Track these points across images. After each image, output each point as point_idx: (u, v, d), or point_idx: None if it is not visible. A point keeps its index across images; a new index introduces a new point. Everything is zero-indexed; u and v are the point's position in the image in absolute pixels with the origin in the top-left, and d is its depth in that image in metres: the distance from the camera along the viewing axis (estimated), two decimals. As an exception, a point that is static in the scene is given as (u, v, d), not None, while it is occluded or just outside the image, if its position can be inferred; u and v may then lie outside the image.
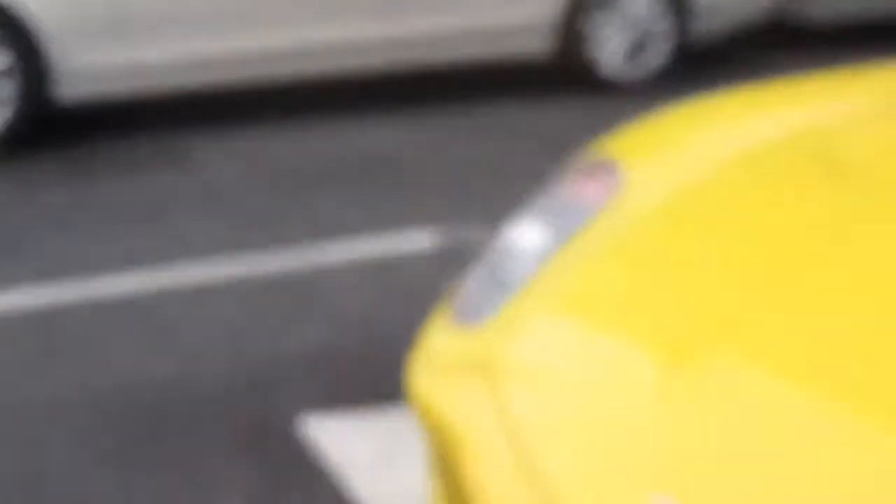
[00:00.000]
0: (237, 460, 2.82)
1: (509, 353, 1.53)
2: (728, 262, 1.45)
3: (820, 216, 1.47)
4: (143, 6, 6.03)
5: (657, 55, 7.11)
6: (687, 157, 1.77)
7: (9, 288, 4.03)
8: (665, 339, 1.35)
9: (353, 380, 3.23)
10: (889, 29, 9.03)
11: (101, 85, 6.07)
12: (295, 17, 6.35)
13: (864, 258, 1.34)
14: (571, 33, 6.92)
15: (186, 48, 6.18)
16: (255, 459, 2.82)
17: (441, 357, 1.67)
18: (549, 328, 1.53)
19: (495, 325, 1.62)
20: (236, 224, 4.69)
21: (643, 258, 1.56)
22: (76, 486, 2.73)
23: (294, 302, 3.82)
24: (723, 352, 1.28)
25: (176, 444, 2.91)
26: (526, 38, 6.86)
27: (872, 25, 9.14)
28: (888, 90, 1.90)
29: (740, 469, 1.11)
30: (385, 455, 2.80)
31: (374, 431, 2.92)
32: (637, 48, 7.06)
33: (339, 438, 2.89)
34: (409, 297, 3.84)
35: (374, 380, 3.23)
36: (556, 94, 7.00)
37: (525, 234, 1.78)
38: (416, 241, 4.41)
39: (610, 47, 7.00)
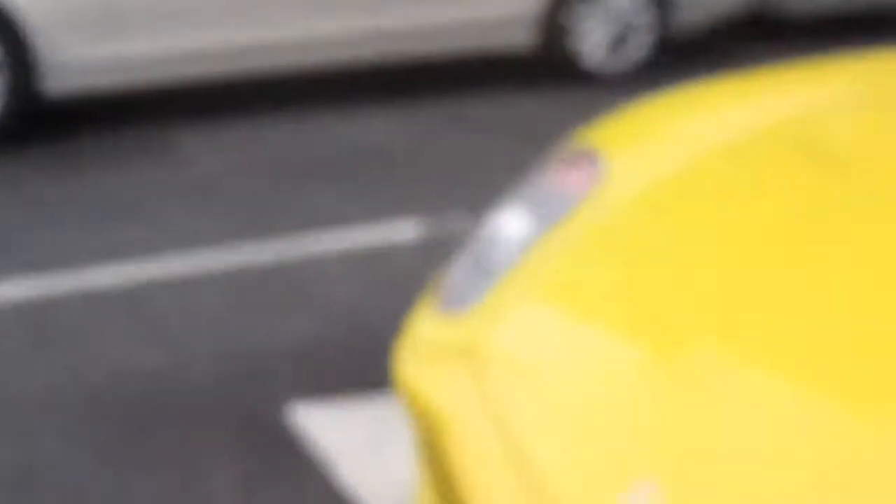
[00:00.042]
0: (226, 449, 2.84)
1: (494, 339, 1.53)
2: (710, 250, 1.44)
3: (801, 205, 1.46)
4: None
5: (639, 48, 7.15)
6: (668, 146, 1.76)
7: (-2, 281, 4.06)
8: (648, 327, 1.35)
9: (341, 368, 3.26)
10: (868, 21, 9.07)
11: (89, 78, 6.07)
12: (282, 10, 6.36)
13: (846, 246, 1.33)
14: (555, 26, 6.95)
15: (174, 41, 6.19)
16: (244, 448, 2.84)
17: (427, 344, 1.66)
18: (532, 315, 1.53)
19: (480, 312, 1.62)
20: (224, 216, 4.71)
21: (625, 246, 1.56)
22: (66, 477, 2.75)
23: (282, 292, 3.86)
24: (705, 340, 1.27)
25: (166, 434, 2.93)
26: (510, 30, 6.89)
27: (852, 17, 9.18)
28: (867, 80, 1.88)
29: (723, 456, 1.11)
30: (373, 442, 2.83)
31: (361, 419, 2.95)
32: (619, 41, 7.10)
33: (328, 426, 2.92)
34: (396, 287, 3.88)
35: (362, 368, 3.26)
36: (539, 86, 7.03)
37: (509, 223, 1.78)
38: (403, 231, 4.44)
39: (592, 40, 7.04)
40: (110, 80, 6.12)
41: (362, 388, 3.14)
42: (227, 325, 3.59)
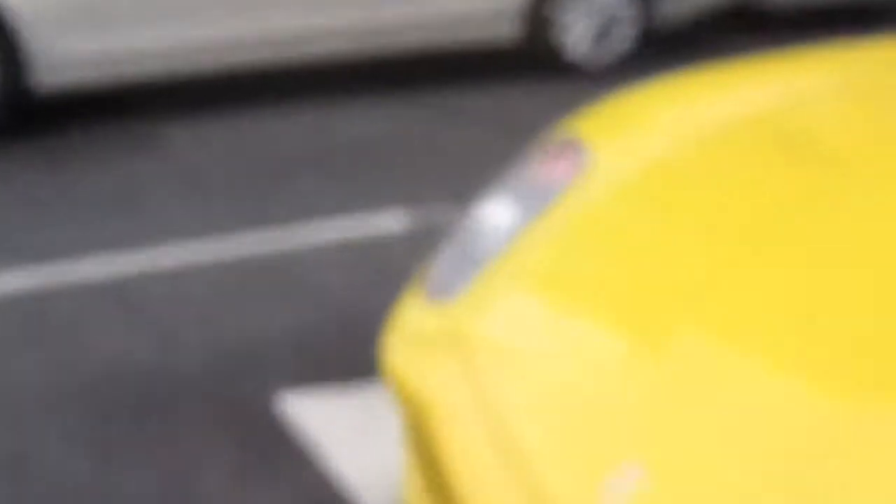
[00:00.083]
0: (217, 438, 2.87)
1: (480, 327, 1.54)
2: (693, 238, 1.45)
3: (782, 194, 1.46)
4: (118, -6, 6.05)
5: (623, 40, 7.17)
6: (652, 135, 1.76)
7: (-13, 274, 4.07)
8: (633, 314, 1.35)
9: (330, 358, 3.29)
10: (852, 12, 9.11)
11: (79, 73, 6.06)
12: (269, 4, 6.37)
13: (826, 233, 1.34)
14: (539, 19, 6.97)
15: (163, 36, 6.19)
16: (234, 437, 2.87)
17: (414, 333, 1.67)
18: (518, 303, 1.54)
19: (466, 300, 1.63)
20: (213, 208, 4.73)
21: (610, 235, 1.56)
22: (58, 468, 2.77)
23: (271, 282, 3.88)
24: (689, 326, 1.27)
25: (157, 424, 2.96)
26: (495, 24, 6.91)
27: (836, 9, 9.22)
28: (847, 70, 1.88)
29: (707, 440, 1.11)
30: (362, 430, 2.85)
31: (350, 408, 2.97)
32: (603, 33, 7.12)
33: (317, 415, 2.94)
34: (384, 276, 3.90)
35: (351, 357, 3.28)
36: (523, 79, 7.05)
37: (494, 212, 1.79)
38: (390, 221, 4.46)
39: (577, 32, 7.06)
40: (99, 74, 6.12)
41: (351, 376, 3.16)
42: (216, 316, 3.61)
